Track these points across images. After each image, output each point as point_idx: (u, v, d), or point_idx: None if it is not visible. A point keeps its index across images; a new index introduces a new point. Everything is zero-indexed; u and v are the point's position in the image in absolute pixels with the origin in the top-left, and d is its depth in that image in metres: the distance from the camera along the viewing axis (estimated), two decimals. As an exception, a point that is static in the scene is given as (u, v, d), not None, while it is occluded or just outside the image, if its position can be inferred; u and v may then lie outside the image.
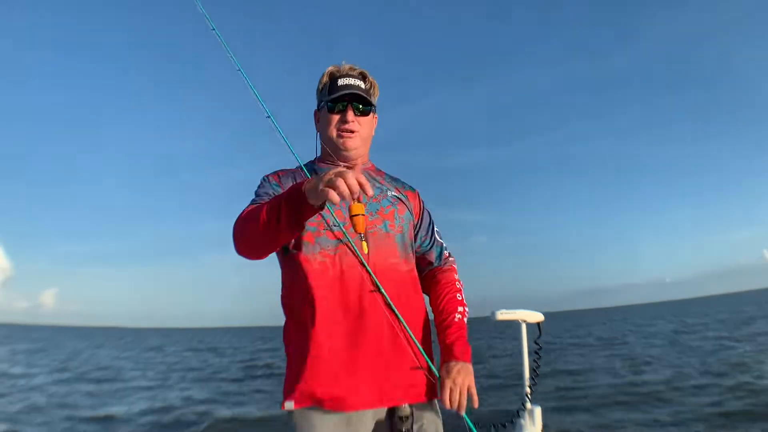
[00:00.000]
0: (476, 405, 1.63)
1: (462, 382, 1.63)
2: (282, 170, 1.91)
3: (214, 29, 2.05)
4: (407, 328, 1.69)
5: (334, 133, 1.82)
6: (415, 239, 1.90)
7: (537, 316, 2.27)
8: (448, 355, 1.70)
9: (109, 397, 12.49)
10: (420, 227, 1.92)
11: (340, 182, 1.33)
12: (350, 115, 1.81)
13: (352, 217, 1.44)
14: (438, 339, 1.80)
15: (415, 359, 1.70)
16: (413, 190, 1.99)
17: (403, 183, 1.99)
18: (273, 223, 1.51)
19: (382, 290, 1.66)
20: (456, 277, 1.90)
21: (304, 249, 1.70)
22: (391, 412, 1.66)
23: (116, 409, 10.46)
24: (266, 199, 1.72)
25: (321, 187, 1.35)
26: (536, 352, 2.25)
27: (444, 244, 1.95)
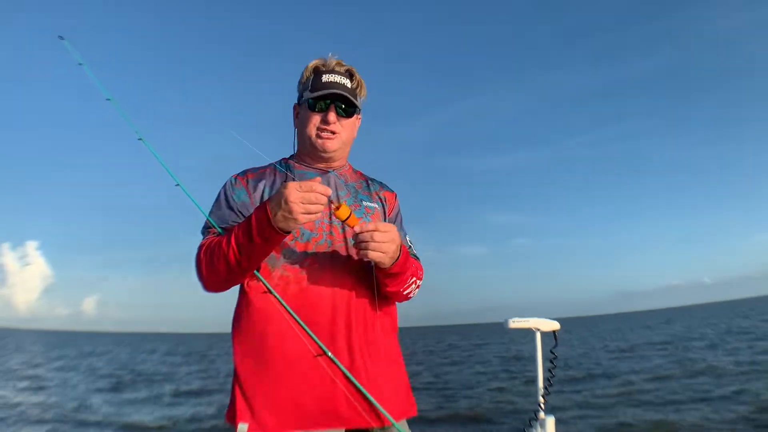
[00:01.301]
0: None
1: (384, 228, 1.48)
2: (251, 171, 1.77)
3: (81, 64, 1.82)
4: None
5: (313, 132, 1.71)
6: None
7: (552, 325, 2.21)
8: None
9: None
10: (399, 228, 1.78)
11: (317, 207, 1.41)
12: (332, 116, 1.69)
13: (344, 222, 1.48)
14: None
15: (381, 379, 1.60)
16: (391, 191, 1.89)
17: (381, 184, 1.89)
18: (244, 261, 1.49)
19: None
20: (418, 271, 1.74)
21: (268, 262, 1.60)
22: None
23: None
24: (229, 223, 1.62)
25: (299, 219, 1.40)
26: (551, 362, 2.20)
27: (412, 248, 1.83)
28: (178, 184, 1.74)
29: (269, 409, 1.50)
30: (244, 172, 1.76)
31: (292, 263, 1.59)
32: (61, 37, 1.88)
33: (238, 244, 1.46)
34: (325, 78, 1.69)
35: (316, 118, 1.71)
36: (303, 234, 1.61)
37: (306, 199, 1.38)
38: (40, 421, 9.52)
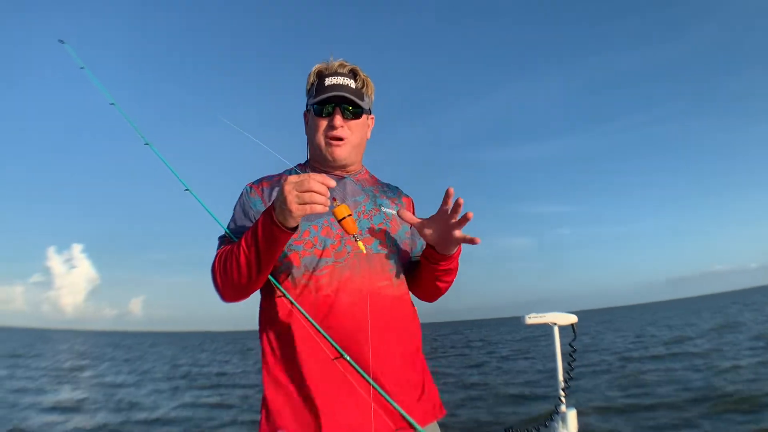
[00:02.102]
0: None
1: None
2: (266, 179, 1.73)
3: (83, 68, 1.88)
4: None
5: (322, 140, 1.67)
6: (416, 246, 1.77)
7: (570, 318, 2.20)
8: None
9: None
10: (414, 234, 1.77)
11: (311, 195, 1.31)
12: (338, 120, 1.64)
13: (340, 222, 1.40)
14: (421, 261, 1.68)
15: (405, 388, 1.58)
16: (408, 196, 1.87)
17: (398, 190, 1.85)
18: (254, 263, 1.45)
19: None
20: None
21: (292, 272, 1.57)
22: None
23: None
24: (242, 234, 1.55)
25: (293, 209, 1.32)
26: (570, 355, 2.19)
27: None
28: (187, 189, 1.75)
29: (297, 421, 1.48)
30: (260, 181, 1.72)
31: (312, 271, 1.55)
32: (61, 41, 1.91)
33: (246, 246, 1.44)
34: (328, 81, 1.65)
35: (322, 124, 1.66)
36: (322, 241, 1.57)
37: (300, 186, 1.31)
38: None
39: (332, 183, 1.33)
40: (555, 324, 2.20)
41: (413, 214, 1.80)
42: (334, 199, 1.39)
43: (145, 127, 1.83)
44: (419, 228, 1.60)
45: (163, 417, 10.14)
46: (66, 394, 13.33)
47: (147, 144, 1.79)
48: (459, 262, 1.70)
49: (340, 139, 1.66)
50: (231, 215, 1.70)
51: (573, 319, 2.19)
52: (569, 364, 2.18)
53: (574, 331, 2.20)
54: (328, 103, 1.65)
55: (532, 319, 2.21)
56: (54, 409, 11.06)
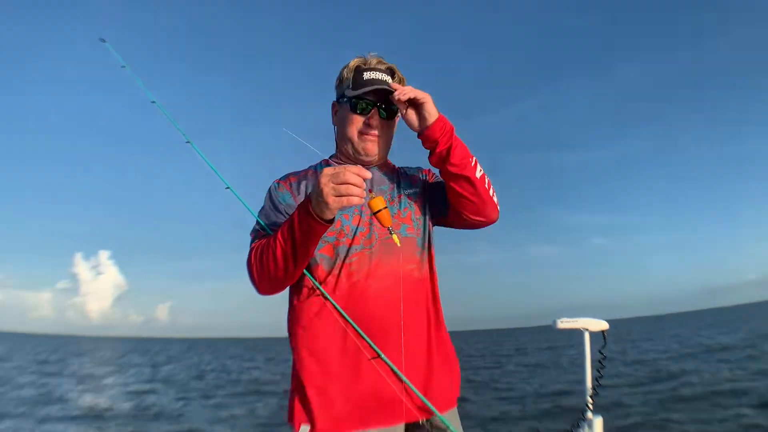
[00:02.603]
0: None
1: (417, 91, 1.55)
2: (293, 174, 1.77)
3: (124, 66, 1.91)
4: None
5: (355, 135, 1.69)
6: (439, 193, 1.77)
7: (601, 325, 2.20)
8: None
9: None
10: (437, 184, 1.81)
11: (347, 188, 1.32)
12: (375, 119, 1.68)
13: (375, 214, 1.41)
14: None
15: (430, 371, 1.63)
16: (427, 169, 1.89)
17: (416, 168, 1.89)
18: (290, 256, 1.47)
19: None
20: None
21: (323, 264, 1.61)
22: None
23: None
24: (277, 225, 1.61)
25: (329, 201, 1.33)
26: (600, 362, 2.19)
27: None
28: (228, 187, 1.76)
29: (327, 410, 1.52)
30: (286, 177, 1.76)
31: (344, 260, 1.59)
32: (102, 40, 1.94)
33: (283, 239, 1.46)
34: (366, 75, 1.66)
35: (357, 120, 1.68)
36: (353, 230, 1.61)
37: (336, 178, 1.32)
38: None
39: (368, 174, 1.34)
40: (586, 330, 2.20)
41: (431, 175, 1.87)
42: (369, 191, 1.41)
43: (186, 125, 1.82)
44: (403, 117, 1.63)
45: (189, 426, 10.16)
46: (89, 402, 13.37)
47: (188, 142, 1.80)
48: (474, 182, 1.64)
49: (375, 135, 1.70)
50: (259, 211, 1.72)
51: (604, 325, 2.19)
52: (598, 371, 2.17)
53: (604, 338, 2.20)
54: (365, 98, 1.66)
55: (563, 323, 2.23)
56: (78, 417, 11.13)
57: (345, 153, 1.76)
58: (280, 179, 1.75)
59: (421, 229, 1.73)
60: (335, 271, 1.59)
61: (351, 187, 1.32)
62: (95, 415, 11.26)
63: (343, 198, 1.33)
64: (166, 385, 17.49)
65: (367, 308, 1.56)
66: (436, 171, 1.77)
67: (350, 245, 1.60)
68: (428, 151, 1.65)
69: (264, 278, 1.55)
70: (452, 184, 1.64)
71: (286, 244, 1.45)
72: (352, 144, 1.70)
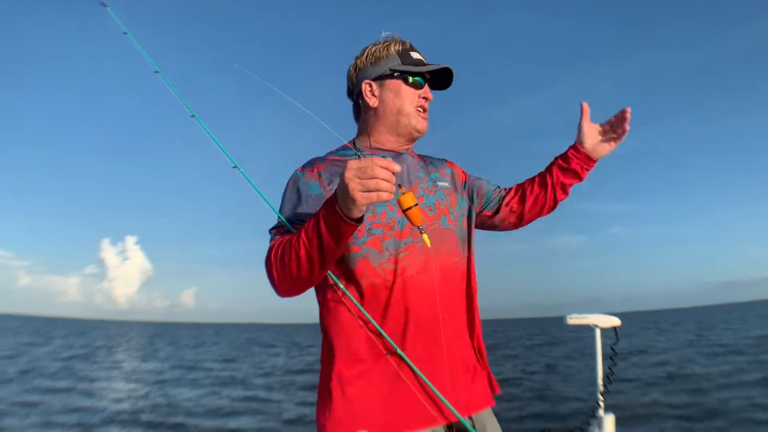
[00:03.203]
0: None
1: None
2: (319, 161, 1.62)
3: (126, 32, 1.82)
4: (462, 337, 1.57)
5: (412, 109, 1.62)
6: (477, 192, 1.78)
7: (612, 321, 2.15)
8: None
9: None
10: (475, 179, 1.81)
11: (377, 182, 1.18)
12: (429, 92, 1.65)
13: (405, 211, 1.26)
14: (545, 177, 1.77)
15: (472, 369, 1.58)
16: (451, 161, 1.83)
17: (439, 160, 1.81)
18: (316, 258, 1.34)
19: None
20: None
21: (371, 258, 1.48)
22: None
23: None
24: (302, 219, 1.47)
25: (357, 198, 1.19)
26: (611, 359, 2.14)
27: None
28: (235, 166, 1.65)
29: (359, 415, 1.43)
30: (311, 163, 1.61)
31: (396, 254, 1.49)
32: (103, 4, 1.84)
33: (308, 239, 1.32)
34: (415, 55, 1.65)
35: (413, 94, 1.63)
36: (399, 222, 1.50)
37: (363, 173, 1.18)
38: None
39: (397, 168, 1.21)
40: (597, 326, 2.15)
41: (462, 171, 1.81)
42: (399, 186, 1.25)
43: (191, 98, 1.72)
44: (586, 127, 1.73)
45: (216, 410, 10.31)
46: (115, 385, 13.75)
47: (193, 116, 1.70)
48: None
49: (426, 111, 1.66)
50: (281, 204, 1.58)
51: (616, 322, 2.14)
52: (610, 369, 2.12)
53: (616, 335, 2.14)
54: (424, 75, 1.64)
55: (573, 319, 2.17)
56: (103, 400, 11.41)
57: (389, 131, 1.65)
58: (304, 167, 1.60)
59: (459, 221, 1.67)
60: (387, 267, 1.47)
61: (380, 182, 1.18)
62: (117, 398, 11.54)
63: (372, 194, 1.19)
64: (187, 371, 17.81)
65: (423, 305, 1.47)
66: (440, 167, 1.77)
67: (400, 238, 1.49)
68: (566, 154, 1.75)
69: (285, 280, 1.41)
70: (556, 195, 1.77)
71: (311, 245, 1.32)
72: (408, 119, 1.62)
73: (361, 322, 1.47)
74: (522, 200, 1.79)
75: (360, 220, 1.27)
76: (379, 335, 1.45)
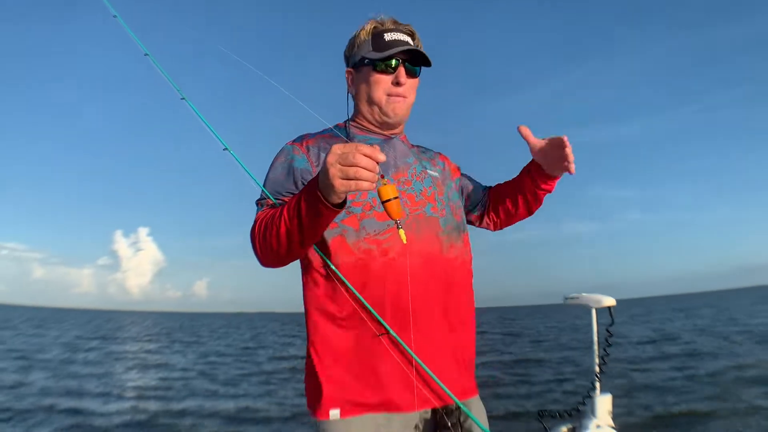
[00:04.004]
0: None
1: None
2: (309, 136, 1.63)
3: (116, 15, 1.82)
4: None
5: (383, 97, 1.60)
6: (465, 192, 1.81)
7: (607, 301, 2.11)
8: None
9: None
10: (464, 179, 1.83)
11: (357, 171, 1.15)
12: (403, 75, 1.58)
13: (384, 203, 1.22)
14: (514, 180, 1.78)
15: (461, 356, 1.57)
16: (443, 155, 1.82)
17: (431, 151, 1.81)
18: (296, 237, 1.34)
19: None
20: None
21: (347, 236, 1.48)
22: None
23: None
24: (285, 193, 1.51)
25: (335, 184, 1.18)
26: (606, 340, 2.11)
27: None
28: (226, 148, 1.65)
29: (347, 395, 1.45)
30: (301, 138, 1.62)
31: (375, 235, 1.47)
32: None
33: (289, 218, 1.33)
34: (388, 36, 1.59)
35: (384, 80, 1.59)
36: (380, 203, 1.46)
37: (345, 159, 1.16)
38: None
39: (382, 157, 1.18)
40: (591, 306, 2.13)
41: (455, 165, 1.83)
42: (381, 176, 1.21)
43: (181, 81, 1.71)
44: (533, 146, 1.64)
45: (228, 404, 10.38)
46: (128, 377, 13.85)
47: (183, 98, 1.70)
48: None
49: (404, 96, 1.61)
50: (267, 173, 1.59)
51: (610, 302, 2.11)
52: (605, 350, 2.10)
53: (611, 315, 2.11)
54: (391, 60, 1.57)
55: (569, 300, 2.18)
56: (119, 392, 11.50)
57: (366, 118, 1.66)
58: (294, 140, 1.61)
59: (446, 210, 1.64)
60: (364, 246, 1.46)
61: (360, 171, 1.15)
62: (136, 386, 11.75)
63: (351, 182, 1.17)
64: (200, 359, 18.15)
65: (403, 286, 1.45)
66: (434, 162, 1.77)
67: (380, 219, 1.48)
68: (530, 170, 1.70)
69: (266, 253, 1.44)
70: (527, 202, 1.76)
71: (291, 224, 1.33)
72: (380, 107, 1.61)
73: (344, 302, 1.47)
74: (499, 211, 1.82)
75: (341, 205, 1.27)
76: (367, 314, 1.44)
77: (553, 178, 1.69)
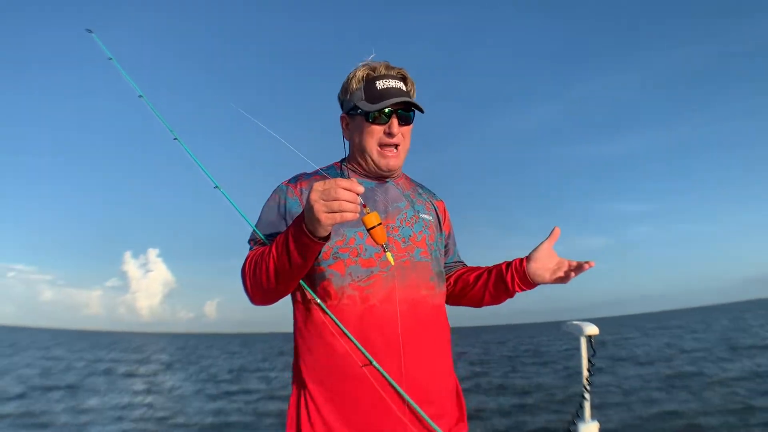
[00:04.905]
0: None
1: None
2: (304, 177, 1.66)
3: (111, 58, 1.86)
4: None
5: (374, 149, 1.60)
6: (446, 253, 1.81)
7: (590, 330, 2.12)
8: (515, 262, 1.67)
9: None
10: (449, 239, 1.84)
11: (340, 204, 1.23)
12: (395, 126, 1.57)
13: (369, 230, 1.31)
14: (483, 272, 1.75)
15: (443, 394, 1.60)
16: (440, 200, 1.84)
17: (430, 192, 1.82)
18: (285, 272, 1.41)
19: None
20: None
21: (333, 281, 1.52)
22: None
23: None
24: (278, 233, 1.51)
25: (321, 219, 1.25)
26: (588, 370, 2.14)
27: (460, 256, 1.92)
28: (216, 187, 1.70)
29: (327, 424, 1.47)
30: (296, 180, 1.65)
31: (358, 281, 1.51)
32: (89, 30, 1.88)
33: (277, 254, 1.39)
34: (380, 84, 1.58)
35: (377, 131, 1.59)
36: (366, 250, 1.53)
37: (327, 195, 1.24)
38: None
39: (360, 189, 1.25)
40: (579, 334, 2.17)
41: (448, 218, 1.84)
42: (364, 206, 1.29)
43: (174, 121, 1.78)
44: (545, 248, 1.63)
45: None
46: (131, 399, 13.75)
47: (175, 138, 1.76)
48: None
49: (396, 146, 1.61)
50: (261, 212, 1.65)
51: (593, 330, 2.12)
52: (586, 379, 2.12)
53: (591, 345, 2.12)
54: (385, 110, 1.56)
55: (563, 328, 2.26)
56: (123, 409, 11.49)
57: (362, 165, 1.66)
58: (289, 181, 1.66)
59: (435, 255, 1.67)
60: (348, 291, 1.51)
61: (343, 203, 1.24)
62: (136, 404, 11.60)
63: (336, 214, 1.25)
64: (205, 382, 17.80)
65: (382, 331, 1.49)
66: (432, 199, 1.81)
67: (365, 266, 1.52)
68: (507, 270, 1.68)
69: (257, 290, 1.49)
70: (492, 296, 1.74)
71: (280, 260, 1.39)
72: (372, 159, 1.62)
73: (330, 339, 1.50)
74: (456, 291, 1.83)
75: (327, 238, 1.34)
76: (348, 351, 1.48)
77: (529, 283, 1.66)
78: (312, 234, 1.30)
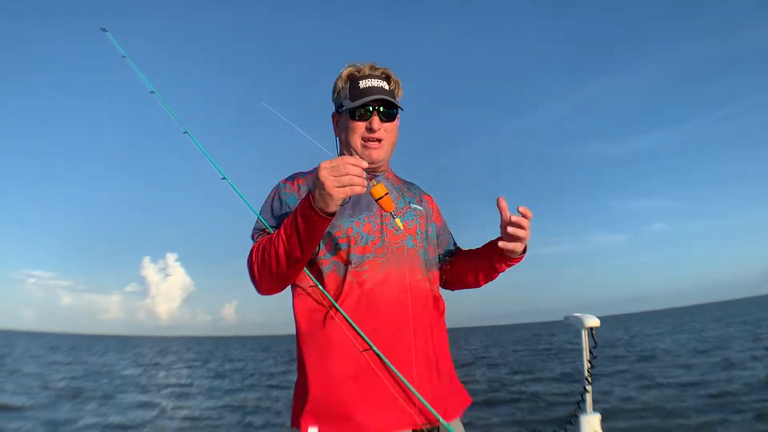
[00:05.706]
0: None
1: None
2: (300, 175, 1.75)
3: (125, 56, 1.92)
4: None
5: (358, 143, 1.69)
6: (440, 243, 1.87)
7: (591, 321, 2.14)
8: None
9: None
10: (443, 230, 1.90)
11: (350, 178, 1.33)
12: (376, 122, 1.66)
13: (377, 200, 1.44)
14: (477, 251, 1.79)
15: (441, 378, 1.65)
16: (428, 194, 1.92)
17: (418, 188, 1.91)
18: (294, 253, 1.47)
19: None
20: None
21: (337, 271, 1.61)
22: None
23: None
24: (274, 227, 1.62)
25: (333, 193, 1.34)
26: (589, 362, 2.15)
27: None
28: (224, 178, 1.75)
29: (333, 415, 1.51)
30: (293, 177, 1.74)
31: (356, 267, 1.59)
32: (103, 29, 1.93)
33: (286, 235, 1.46)
34: (362, 84, 1.67)
35: (359, 127, 1.68)
36: (362, 237, 1.61)
37: (336, 171, 1.34)
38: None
39: (365, 164, 1.36)
40: (580, 327, 2.19)
41: (438, 209, 1.91)
42: (370, 179, 1.39)
43: (185, 115, 1.77)
44: (504, 220, 1.59)
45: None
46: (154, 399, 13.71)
47: (186, 132, 1.82)
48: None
49: (379, 140, 1.69)
50: (261, 211, 1.71)
51: (594, 322, 2.14)
52: (588, 371, 2.14)
53: (593, 337, 2.14)
54: (365, 107, 1.66)
55: (565, 320, 2.28)
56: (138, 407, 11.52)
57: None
58: (287, 179, 1.74)
59: (424, 244, 1.74)
60: (346, 278, 1.59)
61: (353, 177, 1.34)
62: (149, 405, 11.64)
63: (347, 188, 1.35)
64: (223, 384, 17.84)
65: (378, 314, 1.56)
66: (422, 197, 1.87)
67: (362, 253, 1.60)
68: (493, 250, 1.66)
69: (265, 276, 1.55)
70: (486, 273, 1.78)
71: (289, 241, 1.46)
72: (357, 153, 1.70)
73: (333, 327, 1.55)
74: (454, 275, 1.88)
75: (334, 214, 1.42)
76: (351, 338, 1.53)
77: (510, 260, 1.68)
78: (322, 211, 1.39)
